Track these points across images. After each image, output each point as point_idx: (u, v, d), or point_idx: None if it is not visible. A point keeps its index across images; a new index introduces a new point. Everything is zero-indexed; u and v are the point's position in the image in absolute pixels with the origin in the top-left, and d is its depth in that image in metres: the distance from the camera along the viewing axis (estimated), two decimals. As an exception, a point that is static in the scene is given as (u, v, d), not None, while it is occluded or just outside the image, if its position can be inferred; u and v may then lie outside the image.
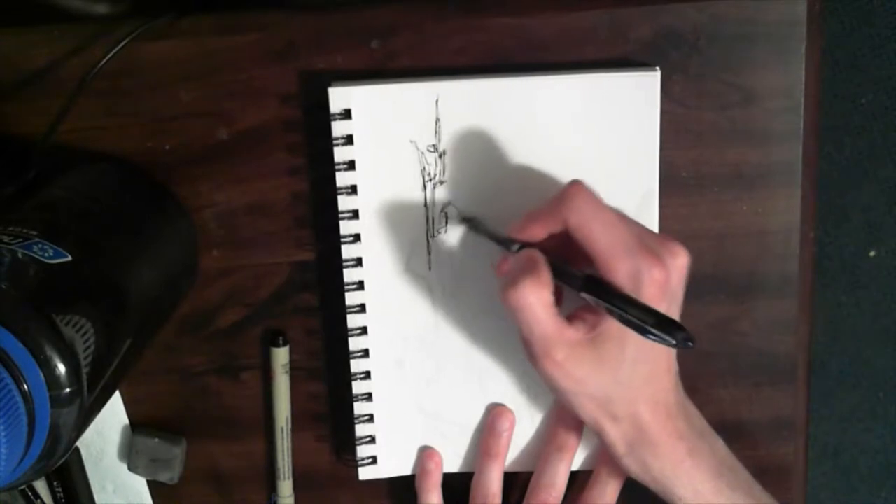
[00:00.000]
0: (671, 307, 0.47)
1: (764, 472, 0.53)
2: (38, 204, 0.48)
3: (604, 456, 0.55)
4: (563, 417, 0.56)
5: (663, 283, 0.45)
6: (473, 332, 0.55)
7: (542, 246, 0.48)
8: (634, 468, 0.51)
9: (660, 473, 0.50)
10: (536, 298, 0.45)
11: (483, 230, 0.52)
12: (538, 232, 0.48)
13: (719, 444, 0.52)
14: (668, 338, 0.43)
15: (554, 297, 0.46)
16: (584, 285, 0.46)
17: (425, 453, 0.57)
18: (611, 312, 0.45)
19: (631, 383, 0.48)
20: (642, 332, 0.44)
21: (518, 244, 0.49)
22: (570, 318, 0.48)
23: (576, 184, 0.47)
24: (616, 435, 0.50)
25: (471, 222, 0.53)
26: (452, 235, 0.54)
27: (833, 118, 1.30)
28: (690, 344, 0.43)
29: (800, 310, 0.57)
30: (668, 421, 0.49)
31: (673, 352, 0.50)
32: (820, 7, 0.52)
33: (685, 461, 0.50)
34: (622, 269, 0.45)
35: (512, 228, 0.49)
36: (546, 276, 0.46)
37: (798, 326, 0.57)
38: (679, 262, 0.47)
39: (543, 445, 0.56)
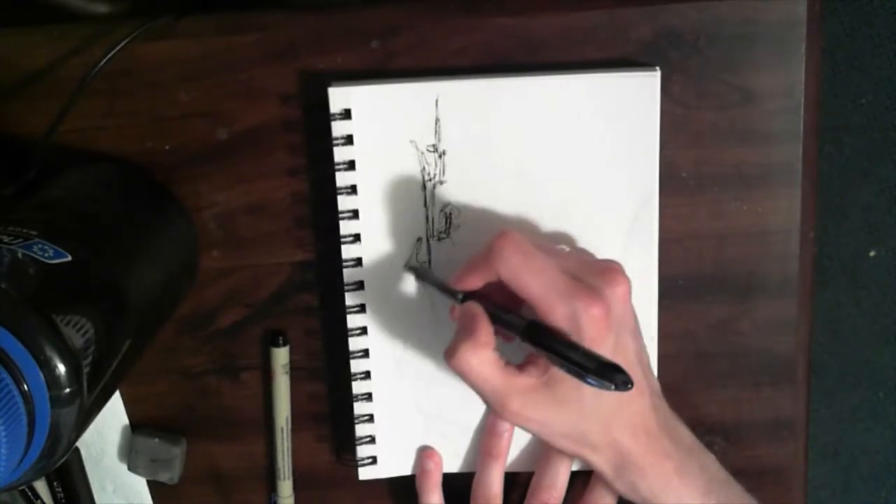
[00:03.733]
0: (620, 335, 0.47)
1: (764, 473, 0.53)
2: (38, 204, 0.48)
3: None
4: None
5: (604, 318, 0.45)
6: (473, 332, 0.55)
7: (488, 291, 0.48)
8: (624, 490, 0.51)
9: (649, 493, 0.50)
10: (478, 360, 0.46)
11: (428, 279, 0.53)
12: (476, 282, 0.49)
13: (710, 459, 0.51)
14: (605, 383, 0.42)
15: (496, 351, 0.46)
16: (524, 333, 0.46)
17: (425, 453, 0.57)
18: (550, 360, 0.45)
19: (600, 414, 0.48)
20: (581, 378, 0.43)
21: (461, 293, 0.49)
22: (524, 364, 0.48)
23: (503, 235, 0.47)
24: (600, 463, 0.50)
25: (416, 271, 0.53)
26: (452, 235, 0.54)
27: (833, 118, 1.30)
28: (629, 386, 0.42)
29: (800, 310, 0.56)
30: (650, 442, 0.49)
31: (648, 372, 0.50)
32: (820, 7, 0.52)
33: (673, 480, 0.49)
34: (559, 314, 0.45)
35: (452, 279, 0.49)
36: (484, 333, 0.46)
37: (798, 326, 0.57)
38: (619, 290, 0.46)
39: (544, 446, 0.56)
